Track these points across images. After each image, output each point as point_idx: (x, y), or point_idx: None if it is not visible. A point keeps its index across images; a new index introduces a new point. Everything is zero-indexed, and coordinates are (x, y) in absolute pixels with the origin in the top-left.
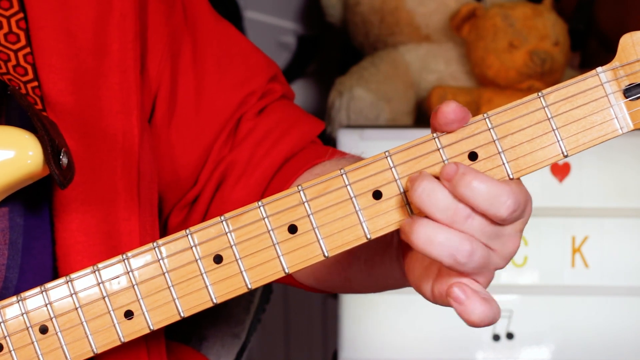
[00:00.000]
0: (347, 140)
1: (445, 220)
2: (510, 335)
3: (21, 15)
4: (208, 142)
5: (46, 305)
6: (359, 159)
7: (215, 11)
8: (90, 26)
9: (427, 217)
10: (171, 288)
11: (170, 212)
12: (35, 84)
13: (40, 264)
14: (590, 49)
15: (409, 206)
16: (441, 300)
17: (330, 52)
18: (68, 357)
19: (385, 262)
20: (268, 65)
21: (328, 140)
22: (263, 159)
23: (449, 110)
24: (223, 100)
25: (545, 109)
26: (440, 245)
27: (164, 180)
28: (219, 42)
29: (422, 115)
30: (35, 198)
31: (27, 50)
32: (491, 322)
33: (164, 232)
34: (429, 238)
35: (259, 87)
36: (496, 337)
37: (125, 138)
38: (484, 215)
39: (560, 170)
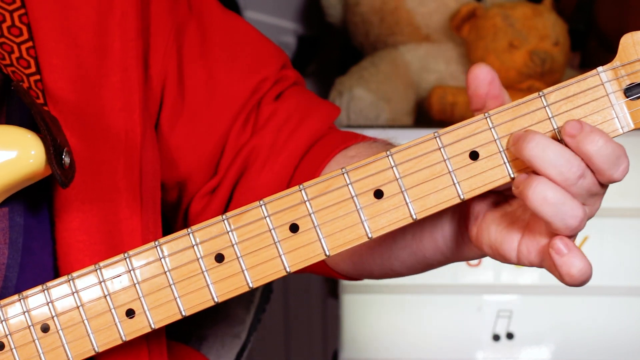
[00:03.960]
0: None
1: (557, 177)
2: (510, 335)
3: (23, 10)
4: (224, 130)
5: (47, 303)
6: (389, 144)
7: (221, 3)
8: (91, 26)
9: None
10: (172, 286)
11: (190, 200)
12: (38, 77)
13: (41, 263)
14: (590, 49)
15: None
16: (528, 258)
17: (330, 52)
18: (69, 355)
19: (436, 233)
20: (278, 53)
21: None
22: (287, 143)
23: (480, 70)
24: (235, 87)
25: (546, 108)
26: (554, 207)
27: (181, 172)
28: (227, 30)
29: (422, 115)
30: (35, 197)
31: (30, 44)
32: (585, 281)
33: (185, 220)
34: (545, 197)
35: (272, 73)
36: (496, 337)
37: (127, 136)
38: (598, 173)
39: None
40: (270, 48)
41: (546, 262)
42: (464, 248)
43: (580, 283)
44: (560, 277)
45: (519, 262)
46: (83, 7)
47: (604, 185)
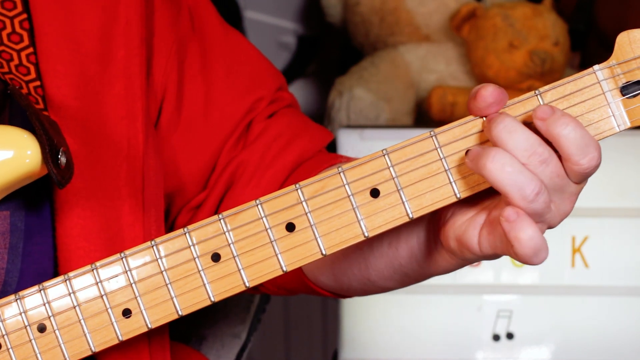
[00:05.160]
0: (347, 140)
1: (521, 160)
2: (510, 335)
3: (25, 16)
4: (216, 147)
5: (44, 303)
6: None
7: (224, 20)
8: (95, 33)
9: None
10: (169, 286)
11: (177, 214)
12: (38, 83)
13: (41, 269)
14: (590, 49)
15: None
16: (488, 240)
17: (330, 52)
18: (66, 355)
19: (412, 240)
20: (276, 74)
21: None
22: (275, 160)
23: (487, 93)
24: (232, 106)
25: None
26: (511, 175)
27: (171, 184)
28: (228, 49)
29: (422, 115)
30: (36, 203)
31: (30, 50)
32: (537, 252)
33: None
34: (502, 165)
35: (268, 93)
36: (496, 337)
37: (130, 144)
38: (565, 159)
39: None
40: (269, 68)
41: (504, 241)
42: (435, 255)
43: (532, 252)
44: (512, 250)
45: (480, 250)
46: (88, 14)
47: (572, 181)
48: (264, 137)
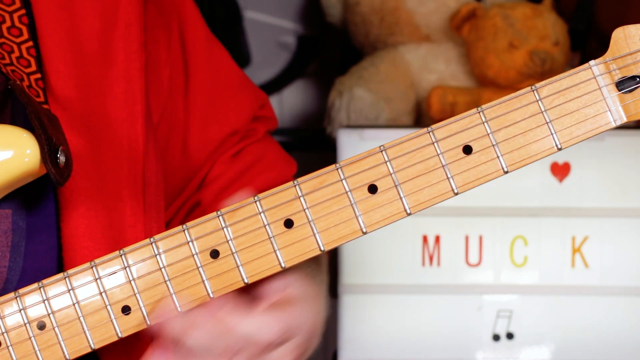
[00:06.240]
0: (347, 140)
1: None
2: (510, 335)
3: (23, 11)
4: (185, 179)
5: (44, 301)
6: None
7: (211, 35)
8: (95, 37)
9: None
10: (168, 283)
11: None
12: (38, 75)
13: (43, 268)
14: (590, 49)
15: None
16: None
17: (330, 52)
18: (65, 352)
19: None
20: (256, 97)
21: (328, 140)
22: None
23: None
24: (206, 138)
25: (539, 102)
26: None
27: None
28: (210, 74)
29: (422, 115)
30: (38, 201)
31: (30, 43)
32: None
33: None
34: None
35: (242, 126)
36: (496, 337)
37: (130, 147)
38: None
39: (560, 171)
40: (249, 92)
41: None
42: None
43: None
44: None
45: None
46: (88, 17)
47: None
48: (219, 180)
